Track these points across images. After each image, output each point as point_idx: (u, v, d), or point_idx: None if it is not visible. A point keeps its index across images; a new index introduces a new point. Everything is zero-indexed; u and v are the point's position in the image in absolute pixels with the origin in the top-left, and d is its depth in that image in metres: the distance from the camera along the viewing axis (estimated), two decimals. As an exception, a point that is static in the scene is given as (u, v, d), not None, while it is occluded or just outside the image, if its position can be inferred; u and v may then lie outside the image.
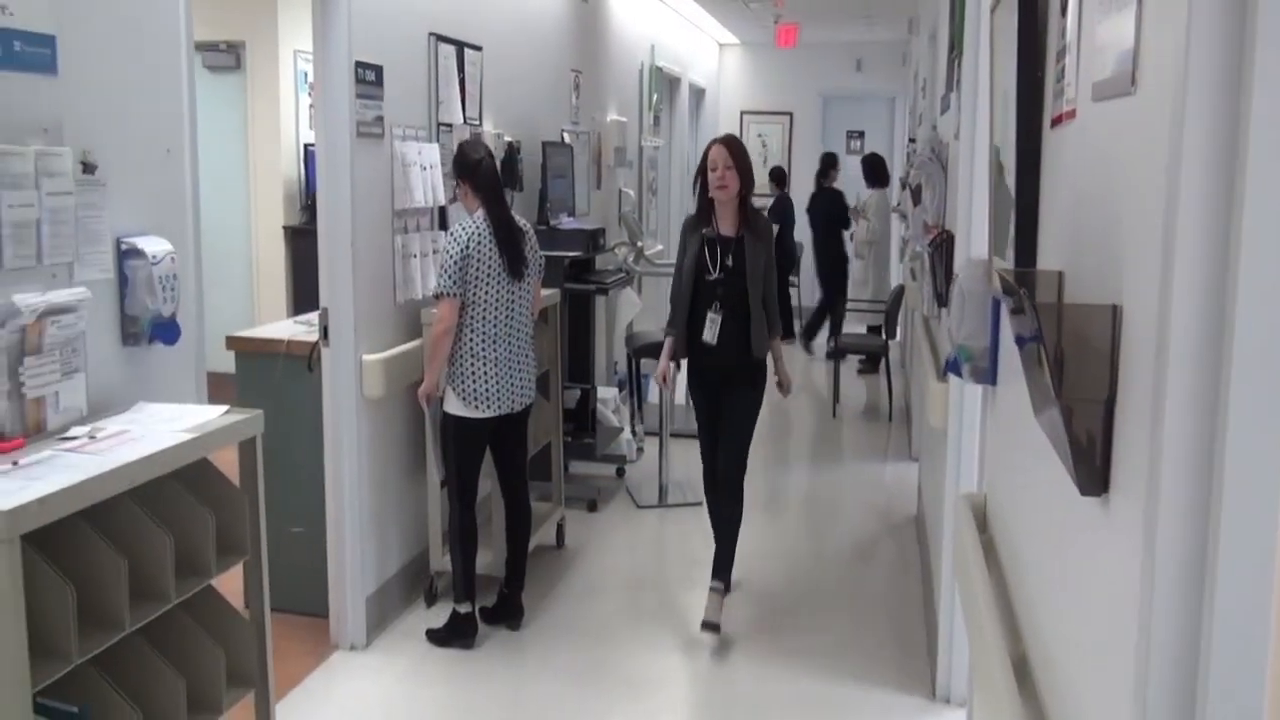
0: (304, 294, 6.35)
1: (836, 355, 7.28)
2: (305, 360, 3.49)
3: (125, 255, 2.38)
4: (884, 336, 7.22)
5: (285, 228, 6.55)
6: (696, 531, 4.68)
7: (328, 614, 3.46)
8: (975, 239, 2.79)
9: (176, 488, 2.06)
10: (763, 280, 3.58)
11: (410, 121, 3.79)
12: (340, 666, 3.36)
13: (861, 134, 11.13)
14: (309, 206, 6.57)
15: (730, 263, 3.54)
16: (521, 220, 3.59)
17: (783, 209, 9.24)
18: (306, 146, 6.68)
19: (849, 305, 7.96)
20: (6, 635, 1.58)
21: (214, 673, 2.08)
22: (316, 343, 3.45)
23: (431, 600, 3.77)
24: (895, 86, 10.62)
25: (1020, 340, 1.42)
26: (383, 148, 3.60)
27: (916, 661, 3.48)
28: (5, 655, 1.59)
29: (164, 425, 2.14)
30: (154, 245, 2.42)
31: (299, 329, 3.77)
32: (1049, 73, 1.66)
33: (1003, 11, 2.04)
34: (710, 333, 3.55)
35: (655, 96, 8.06)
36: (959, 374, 2.12)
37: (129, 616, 1.83)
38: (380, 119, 3.58)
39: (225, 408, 2.29)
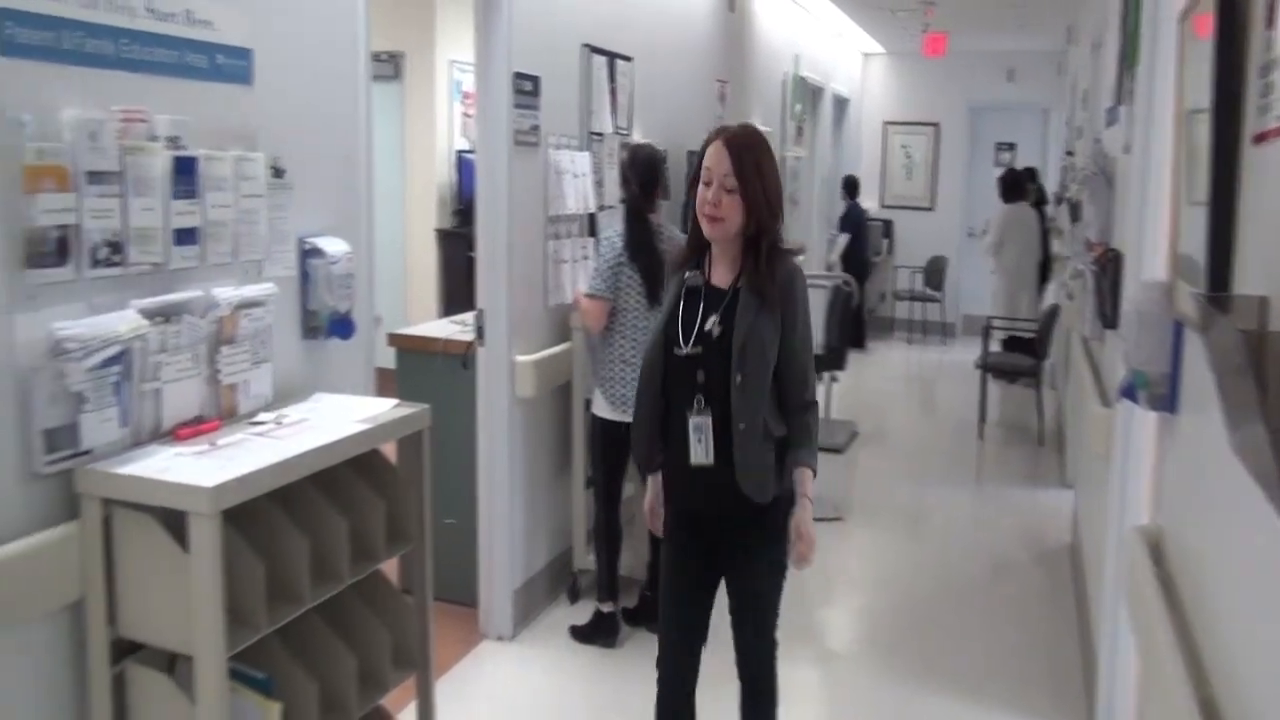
0: (452, 294, 6.61)
1: (985, 372, 7.02)
2: (460, 359, 3.63)
3: (307, 254, 2.53)
4: (1036, 356, 6.92)
5: (436, 231, 6.81)
6: (834, 549, 4.65)
7: (475, 604, 3.58)
8: (1149, 259, 2.67)
9: (350, 475, 2.17)
10: (768, 365, 2.20)
11: (563, 130, 3.89)
12: (488, 656, 3.47)
13: (1012, 146, 10.75)
14: (460, 211, 6.83)
15: (715, 332, 2.21)
16: (675, 230, 3.63)
17: (855, 220, 9.16)
18: (459, 153, 6.94)
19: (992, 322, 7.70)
20: (208, 602, 1.71)
21: (381, 653, 2.19)
22: (472, 342, 3.58)
23: (574, 597, 3.85)
24: (1049, 97, 10.22)
25: (1216, 368, 1.35)
26: (537, 156, 3.71)
27: (1071, 694, 3.35)
28: (207, 621, 1.72)
29: (340, 415, 2.27)
30: (333, 245, 2.57)
31: (454, 328, 3.93)
32: (1251, 87, 1.58)
33: (1194, 21, 1.95)
34: (701, 450, 2.21)
35: (798, 107, 8.01)
36: (1134, 400, 2.03)
37: (309, 593, 1.94)
38: (536, 128, 3.69)
39: (394, 401, 2.41)
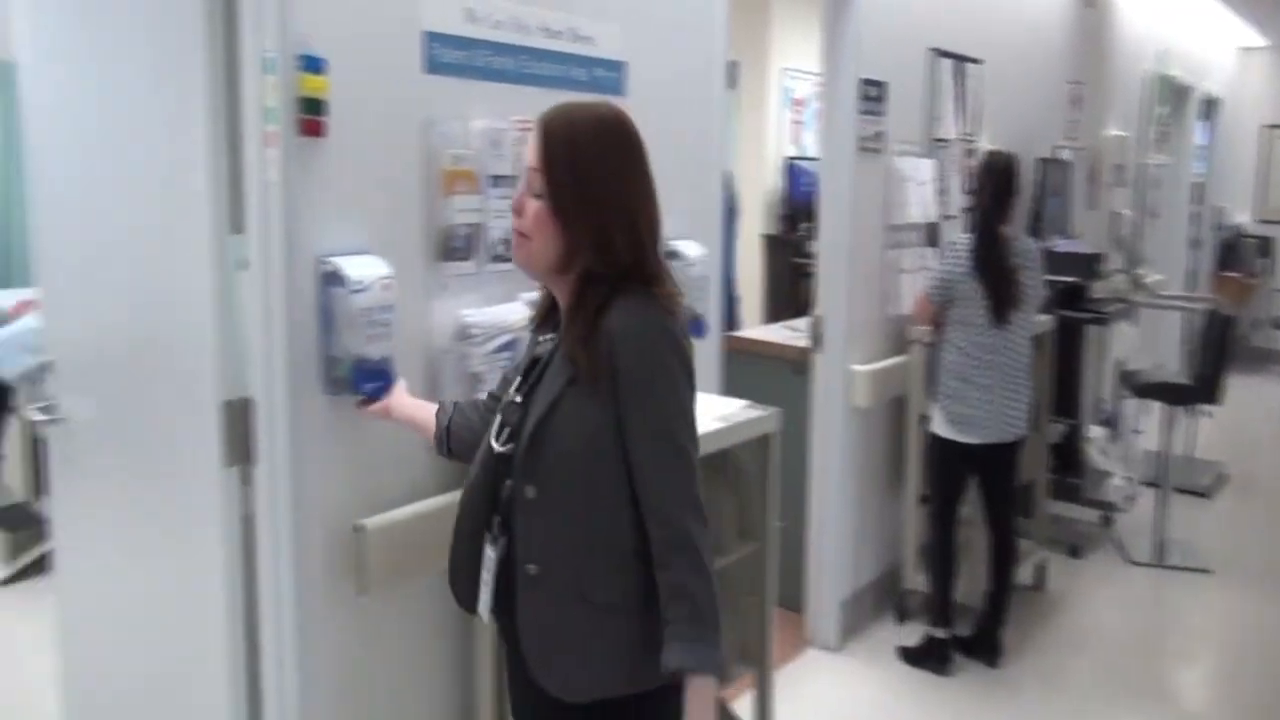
0: (776, 299, 6.67)
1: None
2: (792, 364, 3.64)
3: (667, 257, 2.64)
4: None
5: (763, 236, 6.91)
6: (1197, 602, 4.15)
7: (800, 609, 3.57)
8: None
9: (705, 470, 2.22)
10: (590, 476, 1.38)
11: (906, 137, 3.80)
12: (813, 663, 3.44)
13: None
14: (786, 216, 6.89)
15: (518, 419, 1.46)
16: (1029, 243, 3.42)
17: None
18: (788, 160, 7.01)
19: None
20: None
21: (728, 646, 2.23)
22: (806, 348, 3.57)
23: (902, 617, 3.73)
24: None
25: None
26: (880, 163, 3.64)
27: None
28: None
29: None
30: (691, 249, 2.67)
31: (786, 334, 3.96)
32: None
33: None
34: (486, 598, 1.47)
35: (1162, 109, 7.25)
36: None
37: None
38: (880, 134, 3.62)
39: (745, 402, 2.45)
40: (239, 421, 1.80)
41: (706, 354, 2.80)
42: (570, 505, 1.36)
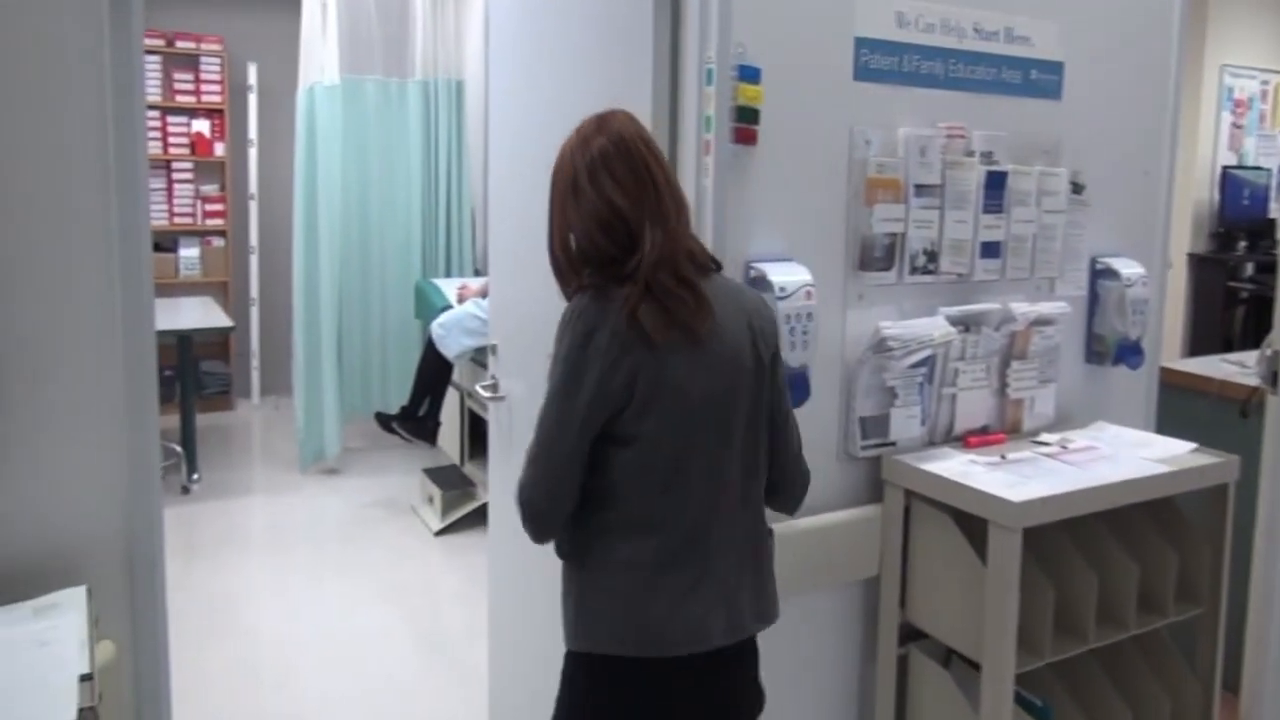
0: (1201, 327, 5.89)
1: None
2: (1240, 405, 3.15)
3: (1098, 275, 2.41)
4: None
5: (1189, 255, 6.13)
6: None
7: (1234, 689, 3.08)
8: None
9: (1141, 518, 1.98)
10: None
11: None
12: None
13: None
14: (1220, 234, 6.08)
15: None
16: None
17: None
18: (1224, 169, 6.18)
19: None
20: (1003, 617, 1.69)
21: (1156, 717, 1.96)
22: (1256, 388, 3.07)
23: (1370, 722, 3.09)
24: None
25: None
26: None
27: None
28: (999, 635, 1.69)
29: (1131, 450, 2.09)
30: (1127, 267, 2.41)
31: (1228, 369, 3.44)
32: None
33: None
34: None
35: None
36: None
37: (1093, 633, 1.81)
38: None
39: (1193, 445, 2.15)
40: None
41: (1139, 386, 2.50)
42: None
